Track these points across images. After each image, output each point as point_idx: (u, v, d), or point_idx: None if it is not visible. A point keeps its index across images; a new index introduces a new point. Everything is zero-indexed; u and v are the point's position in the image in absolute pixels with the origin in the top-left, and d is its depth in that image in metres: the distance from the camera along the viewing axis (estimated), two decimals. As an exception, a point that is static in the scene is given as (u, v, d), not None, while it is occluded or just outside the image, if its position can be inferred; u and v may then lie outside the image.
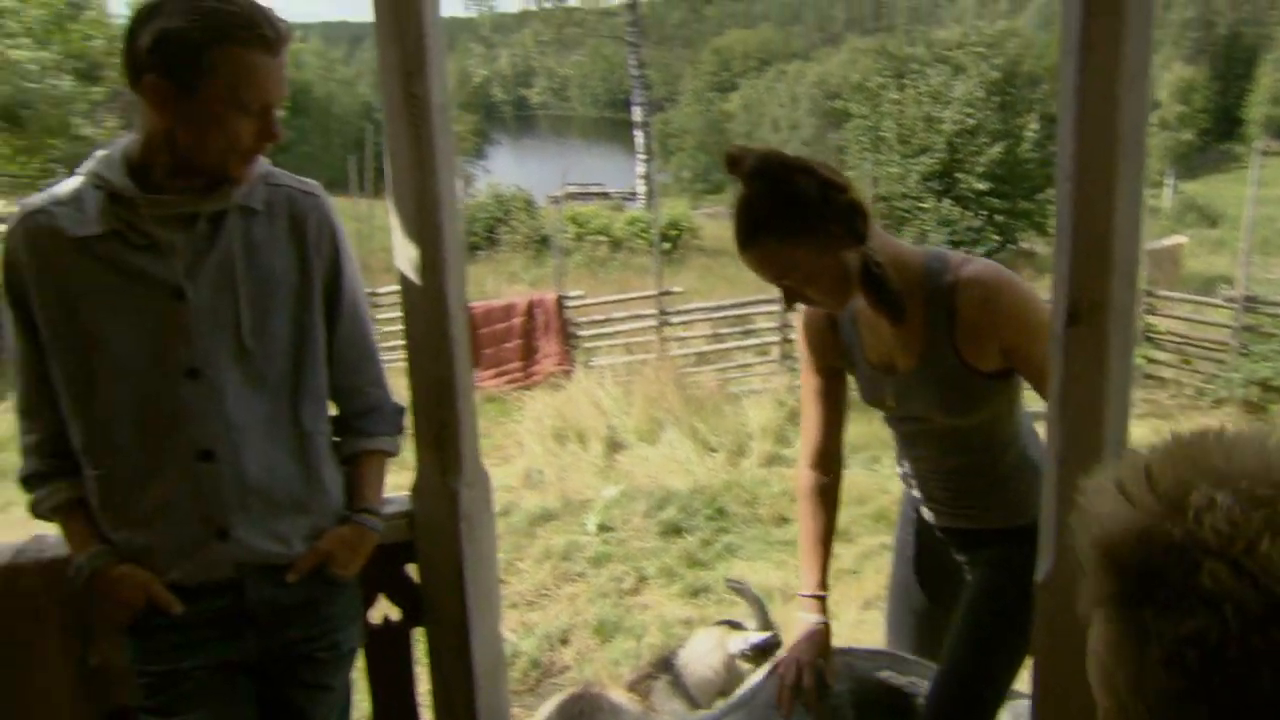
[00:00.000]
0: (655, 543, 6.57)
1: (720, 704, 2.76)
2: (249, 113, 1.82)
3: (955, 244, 25.38)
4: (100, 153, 1.92)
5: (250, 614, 2.01)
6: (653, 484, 7.77)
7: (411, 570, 2.42)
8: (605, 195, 37.60)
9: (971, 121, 26.45)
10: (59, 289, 1.86)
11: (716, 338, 13.48)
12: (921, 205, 25.92)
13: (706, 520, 6.96)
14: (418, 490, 2.33)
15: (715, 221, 34.63)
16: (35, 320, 1.88)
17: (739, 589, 3.32)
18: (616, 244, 25.18)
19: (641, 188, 34.26)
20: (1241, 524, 0.61)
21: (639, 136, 34.66)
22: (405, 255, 2.17)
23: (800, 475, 2.46)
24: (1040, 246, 29.18)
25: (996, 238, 26.19)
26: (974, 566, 2.44)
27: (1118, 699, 0.70)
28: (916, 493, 2.49)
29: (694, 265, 24.27)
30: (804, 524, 2.43)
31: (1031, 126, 27.86)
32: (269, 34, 1.80)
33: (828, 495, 2.44)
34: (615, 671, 4.63)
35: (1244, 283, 11.73)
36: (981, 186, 26.05)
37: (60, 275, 1.86)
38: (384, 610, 2.45)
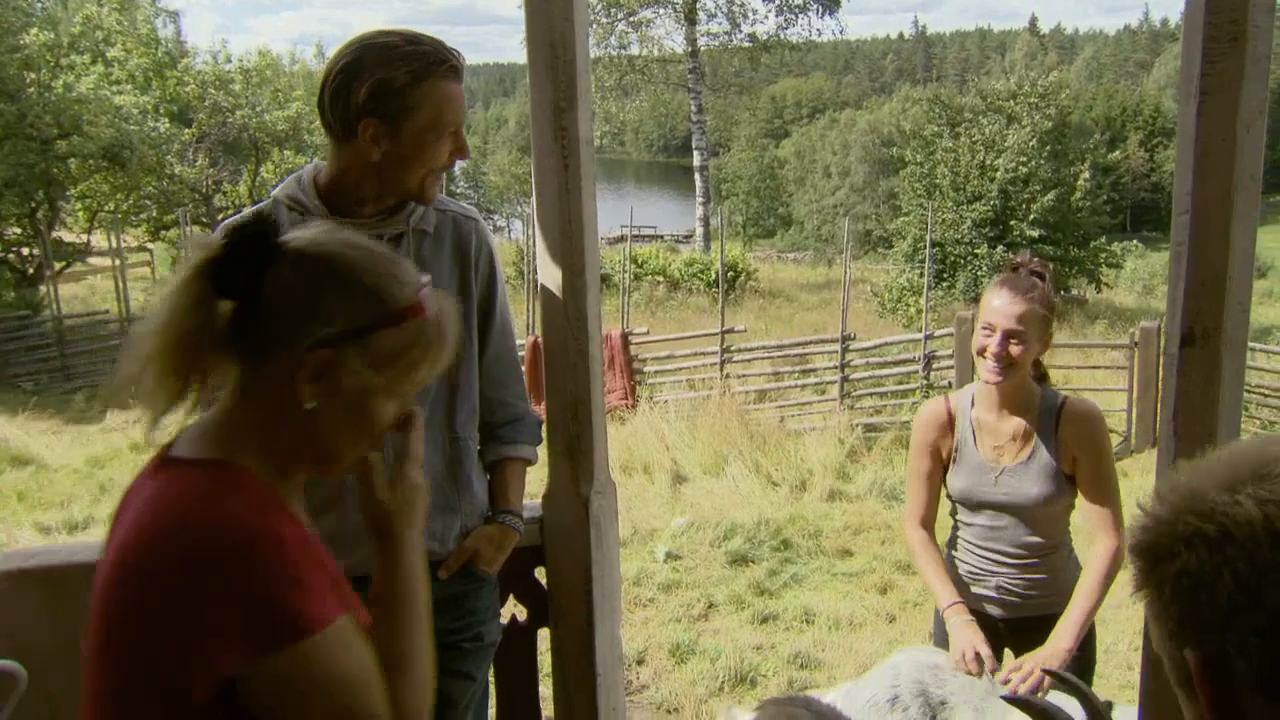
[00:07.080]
0: (723, 571, 6.68)
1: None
2: (446, 135, 2.05)
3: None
4: (289, 178, 2.12)
5: None
6: (718, 516, 7.88)
7: (539, 573, 2.56)
8: (659, 237, 37.91)
9: (1024, 170, 26.52)
10: None
11: (776, 376, 13.57)
12: (975, 251, 25.93)
13: (772, 551, 7.07)
14: (549, 497, 2.46)
15: (768, 264, 34.84)
16: None
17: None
18: (674, 284, 25.41)
19: (699, 230, 34.49)
20: (1198, 490, 0.92)
21: (698, 180, 34.92)
22: (549, 277, 2.34)
23: (910, 533, 3.05)
24: (1091, 294, 29.01)
25: (1049, 285, 26.10)
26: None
27: (1163, 648, 0.96)
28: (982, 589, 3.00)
29: (750, 306, 24.44)
30: (926, 561, 3.01)
31: (1084, 176, 27.89)
32: (455, 63, 2.04)
33: (934, 541, 3.04)
34: (693, 691, 4.75)
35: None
36: (1033, 234, 26.05)
37: None
38: (511, 610, 2.59)
